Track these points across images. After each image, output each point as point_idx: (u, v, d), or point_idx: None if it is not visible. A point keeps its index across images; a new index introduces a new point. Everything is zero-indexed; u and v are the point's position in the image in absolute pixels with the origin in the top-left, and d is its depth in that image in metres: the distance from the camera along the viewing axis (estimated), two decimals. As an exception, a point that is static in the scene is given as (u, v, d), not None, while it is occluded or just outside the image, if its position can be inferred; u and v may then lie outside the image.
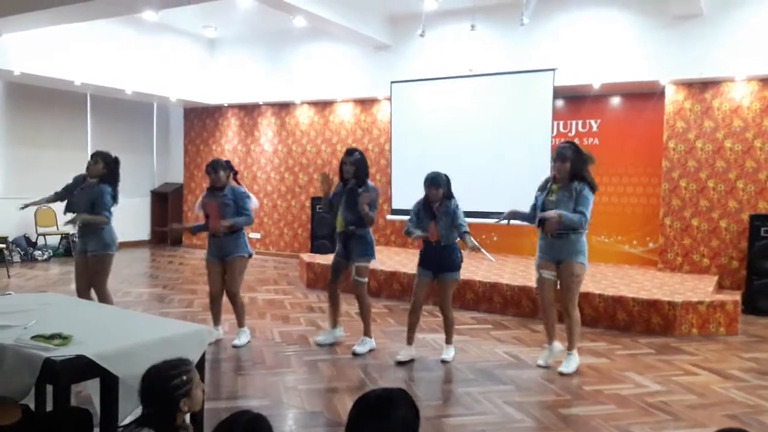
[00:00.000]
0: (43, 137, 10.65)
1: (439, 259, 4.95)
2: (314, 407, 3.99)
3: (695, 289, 6.73)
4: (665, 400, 4.24)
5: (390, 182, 9.38)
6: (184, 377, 2.28)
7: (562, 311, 4.90)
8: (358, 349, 5.23)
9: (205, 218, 5.47)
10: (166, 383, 2.24)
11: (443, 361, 5.01)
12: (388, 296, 7.57)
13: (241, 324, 5.48)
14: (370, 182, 5.25)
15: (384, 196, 9.94)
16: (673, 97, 8.01)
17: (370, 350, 5.29)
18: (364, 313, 5.30)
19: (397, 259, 8.50)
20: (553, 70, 8.05)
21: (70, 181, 5.43)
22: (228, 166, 5.43)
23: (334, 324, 5.54)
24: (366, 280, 5.28)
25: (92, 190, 5.17)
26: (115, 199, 5.26)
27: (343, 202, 5.21)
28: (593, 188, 4.91)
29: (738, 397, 4.35)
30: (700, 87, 7.84)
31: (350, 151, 5.25)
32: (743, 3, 7.34)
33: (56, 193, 5.42)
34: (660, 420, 3.89)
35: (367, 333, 5.33)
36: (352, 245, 5.24)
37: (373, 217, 5.15)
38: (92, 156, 5.25)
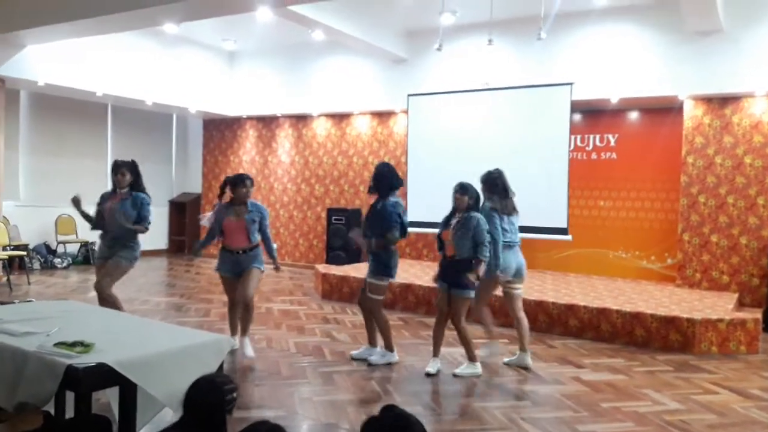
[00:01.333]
0: (64, 146, 10.82)
1: (452, 273, 4.90)
2: (329, 419, 3.99)
3: (714, 306, 6.65)
4: (684, 418, 4.19)
5: (405, 195, 9.39)
6: (234, 395, 2.32)
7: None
8: (373, 358, 5.26)
9: (211, 231, 5.36)
10: (221, 396, 2.26)
11: (454, 375, 4.99)
12: (403, 308, 7.56)
13: (245, 332, 5.39)
14: (392, 198, 5.19)
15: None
16: (691, 113, 7.96)
17: (388, 363, 5.25)
18: (381, 330, 5.30)
19: (412, 272, 8.49)
20: (571, 84, 8.04)
21: (98, 199, 5.42)
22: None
23: (371, 340, 5.43)
24: (378, 297, 5.23)
25: (135, 200, 5.22)
26: None
27: (367, 221, 5.28)
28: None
29: (759, 417, 4.28)
30: (719, 102, 7.79)
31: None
32: (764, 19, 7.31)
33: (96, 219, 5.36)
34: (679, 439, 3.84)
35: (388, 347, 5.30)
36: (370, 262, 5.30)
37: (391, 238, 5.11)
38: (115, 169, 5.26)
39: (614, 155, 8.82)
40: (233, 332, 5.48)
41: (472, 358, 5.04)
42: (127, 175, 5.24)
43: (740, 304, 7.42)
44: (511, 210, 5.30)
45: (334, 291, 8.16)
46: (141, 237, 5.39)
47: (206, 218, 5.38)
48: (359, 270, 8.43)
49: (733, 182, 7.73)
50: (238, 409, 4.01)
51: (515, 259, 5.28)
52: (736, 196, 7.72)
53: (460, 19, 8.41)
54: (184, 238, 12.64)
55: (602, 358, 5.66)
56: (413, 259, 9.90)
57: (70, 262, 10.46)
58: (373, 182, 5.25)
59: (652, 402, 4.50)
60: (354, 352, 5.46)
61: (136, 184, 5.30)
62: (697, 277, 7.95)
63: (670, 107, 8.29)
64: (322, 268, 8.82)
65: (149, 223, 5.32)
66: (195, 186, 12.90)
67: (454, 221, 4.93)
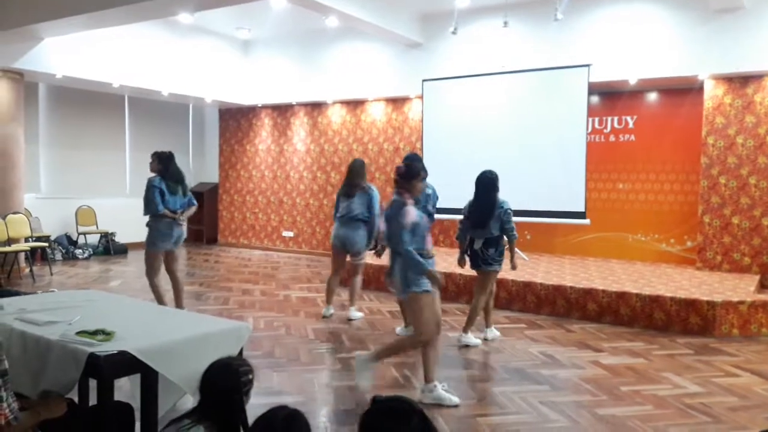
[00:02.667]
0: (83, 138, 10.93)
1: None
2: (348, 405, 4.02)
3: (736, 288, 6.57)
4: (705, 401, 4.16)
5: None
6: (250, 376, 2.34)
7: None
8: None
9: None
10: (237, 379, 2.29)
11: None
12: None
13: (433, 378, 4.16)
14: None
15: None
16: (712, 92, 7.82)
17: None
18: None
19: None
20: (588, 65, 7.93)
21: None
22: None
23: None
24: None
25: (146, 184, 5.80)
26: (170, 190, 5.79)
27: None
28: None
29: (781, 399, 4.23)
30: (740, 81, 7.63)
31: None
32: (786, -6, 7.13)
33: None
34: (699, 422, 3.82)
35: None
36: None
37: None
38: (150, 156, 5.92)
39: (633, 137, 8.70)
40: (432, 378, 4.15)
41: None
42: (155, 162, 5.83)
43: (762, 286, 7.32)
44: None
45: (350, 278, 8.17)
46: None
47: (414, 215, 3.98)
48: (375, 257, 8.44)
49: (755, 162, 7.59)
50: (257, 395, 4.06)
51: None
52: (758, 176, 7.58)
53: (475, 1, 8.31)
54: (202, 227, 12.75)
55: (621, 342, 5.63)
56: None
57: (91, 252, 10.60)
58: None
59: (672, 385, 4.47)
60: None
61: (163, 170, 5.79)
62: (718, 259, 7.85)
63: (690, 87, 8.14)
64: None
65: (154, 204, 5.67)
66: (212, 176, 12.98)
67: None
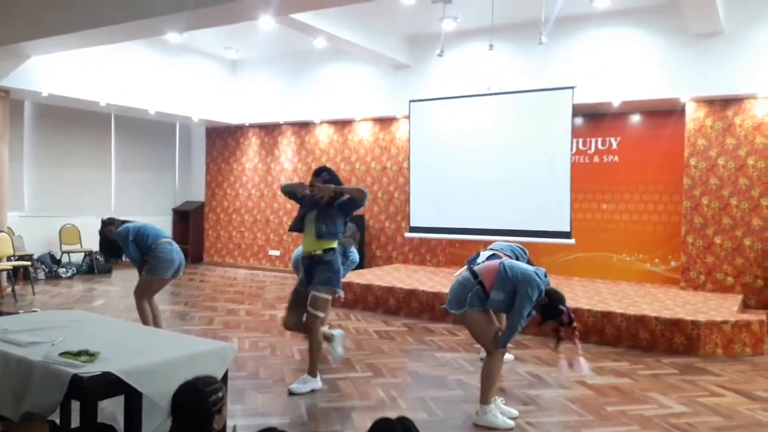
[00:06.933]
0: (68, 157, 10.87)
1: None
2: (333, 426, 3.99)
3: (719, 308, 6.63)
4: (690, 421, 4.18)
5: (408, 200, 9.40)
6: (219, 394, 2.33)
7: None
8: (296, 387, 4.54)
9: None
10: (203, 399, 2.28)
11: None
12: (407, 315, 7.56)
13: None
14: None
15: (402, 213, 9.98)
16: (693, 115, 7.96)
17: (312, 390, 4.56)
18: (313, 351, 4.64)
19: (416, 277, 8.49)
20: (572, 88, 8.04)
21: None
22: None
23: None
24: (322, 315, 4.61)
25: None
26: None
27: (316, 215, 4.57)
28: None
29: (765, 419, 4.26)
30: (721, 104, 7.79)
31: (318, 171, 4.62)
32: (765, 20, 7.31)
33: None
34: (685, 442, 3.83)
35: (312, 372, 4.64)
36: (315, 271, 4.59)
37: (361, 189, 4.50)
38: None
39: (616, 158, 8.82)
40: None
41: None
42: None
43: (745, 306, 7.39)
44: None
45: (337, 298, 8.14)
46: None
47: None
48: (362, 276, 8.44)
49: (736, 184, 7.72)
50: (242, 417, 4.03)
51: None
52: (739, 197, 7.70)
53: (462, 24, 8.44)
54: (188, 246, 12.65)
55: (607, 362, 5.65)
56: (417, 265, 9.90)
57: (75, 271, 10.48)
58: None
59: (658, 405, 4.49)
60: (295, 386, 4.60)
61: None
62: (701, 279, 7.93)
63: (672, 110, 8.29)
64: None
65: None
66: (198, 194, 12.94)
67: None
